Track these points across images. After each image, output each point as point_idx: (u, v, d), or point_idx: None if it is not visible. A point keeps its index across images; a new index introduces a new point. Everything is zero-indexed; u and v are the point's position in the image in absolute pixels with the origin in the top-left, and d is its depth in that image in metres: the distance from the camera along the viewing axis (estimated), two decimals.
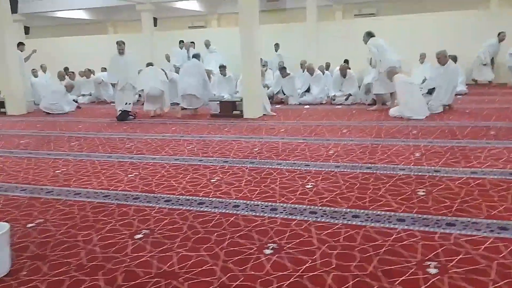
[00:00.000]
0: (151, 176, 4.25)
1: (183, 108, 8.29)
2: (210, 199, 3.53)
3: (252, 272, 2.34)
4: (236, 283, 2.24)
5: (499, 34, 10.19)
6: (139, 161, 4.90)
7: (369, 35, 7.69)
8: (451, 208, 3.07)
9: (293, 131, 6.20)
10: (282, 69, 9.24)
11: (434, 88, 7.24)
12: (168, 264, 2.47)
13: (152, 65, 9.03)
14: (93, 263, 2.53)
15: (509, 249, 2.44)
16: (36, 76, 11.11)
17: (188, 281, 2.28)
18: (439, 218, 2.92)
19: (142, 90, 8.28)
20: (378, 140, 5.30)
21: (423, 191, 3.44)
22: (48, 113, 9.28)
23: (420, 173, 3.91)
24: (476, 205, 3.10)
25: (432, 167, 4.08)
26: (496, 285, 2.11)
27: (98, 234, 2.93)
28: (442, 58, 7.06)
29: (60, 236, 2.93)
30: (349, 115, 7.35)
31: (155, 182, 4.04)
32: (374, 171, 4.04)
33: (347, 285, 2.17)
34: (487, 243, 2.53)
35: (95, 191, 3.88)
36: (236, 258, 2.51)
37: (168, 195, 3.67)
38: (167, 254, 2.60)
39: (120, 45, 8.00)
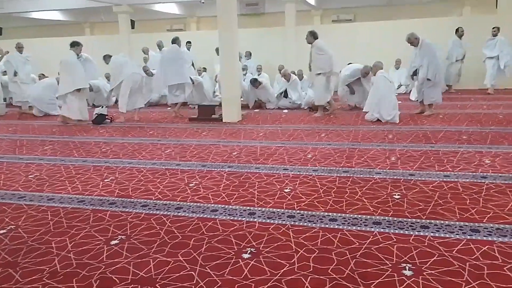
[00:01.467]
0: (128, 181, 4.19)
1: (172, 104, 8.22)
2: (188, 203, 3.50)
3: (230, 277, 2.33)
4: None
5: (457, 30, 10.17)
6: (115, 165, 4.82)
7: (315, 35, 7.43)
8: (425, 211, 3.14)
9: (271, 135, 6.22)
10: (254, 81, 9.01)
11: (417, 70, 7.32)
12: (145, 270, 2.44)
13: (111, 56, 8.40)
14: (67, 270, 2.47)
15: (481, 251, 2.51)
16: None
17: (166, 287, 2.26)
18: (413, 221, 2.98)
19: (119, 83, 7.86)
20: (355, 144, 5.38)
21: (398, 195, 3.51)
22: (21, 107, 9.00)
23: (395, 177, 3.99)
24: (449, 208, 3.18)
25: (407, 171, 4.16)
26: (469, 285, 2.16)
27: (72, 240, 2.87)
28: (413, 41, 7.20)
29: (33, 243, 2.85)
30: (326, 119, 7.43)
31: (132, 187, 3.99)
32: (351, 175, 4.09)
33: None
34: (460, 245, 2.60)
35: (69, 196, 3.79)
36: (214, 262, 2.49)
37: (145, 200, 3.62)
38: (143, 260, 2.56)
39: (81, 46, 7.56)
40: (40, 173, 4.62)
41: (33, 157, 5.40)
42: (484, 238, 2.68)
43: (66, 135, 6.86)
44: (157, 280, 2.32)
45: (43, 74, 10.29)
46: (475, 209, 3.15)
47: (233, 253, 2.61)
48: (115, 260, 2.57)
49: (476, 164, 4.30)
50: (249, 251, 2.62)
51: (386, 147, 5.16)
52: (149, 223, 3.12)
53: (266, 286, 2.23)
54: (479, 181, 3.78)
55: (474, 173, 4.00)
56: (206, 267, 2.44)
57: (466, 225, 2.88)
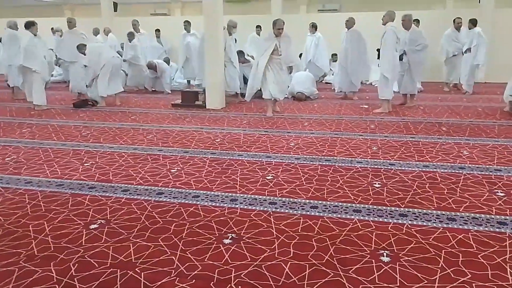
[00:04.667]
0: (108, 166, 4.13)
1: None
2: (170, 189, 3.48)
3: (211, 262, 2.34)
4: (195, 273, 2.23)
5: (453, 21, 9.21)
6: (96, 149, 4.75)
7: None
8: (404, 200, 3.19)
9: (255, 123, 6.21)
10: (240, 53, 8.41)
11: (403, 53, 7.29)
12: (125, 254, 2.42)
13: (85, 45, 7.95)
14: (44, 253, 2.44)
15: (456, 239, 2.57)
16: None
17: (145, 271, 2.25)
18: (392, 209, 3.03)
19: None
20: (337, 134, 5.42)
21: (378, 184, 3.56)
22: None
23: (376, 166, 4.04)
24: (427, 197, 3.24)
25: (388, 161, 4.22)
26: (444, 272, 2.22)
27: (50, 224, 2.83)
28: (407, 22, 7.33)
29: (9, 226, 2.80)
30: (310, 108, 7.45)
31: (112, 172, 3.94)
32: (333, 164, 4.13)
33: (304, 273, 2.22)
34: (437, 233, 2.66)
35: (47, 180, 3.72)
36: (195, 248, 2.49)
37: (125, 185, 3.58)
38: (123, 244, 2.54)
39: (36, 25, 7.34)
40: (18, 156, 4.51)
41: (10, 139, 5.27)
42: (460, 226, 2.75)
43: (45, 118, 6.71)
44: (137, 264, 2.31)
45: None
46: (452, 198, 3.22)
47: (214, 238, 2.61)
48: (94, 244, 2.54)
49: (455, 155, 4.39)
50: (230, 237, 2.62)
51: (368, 137, 5.21)
52: (129, 208, 3.09)
53: (247, 271, 2.25)
54: (457, 171, 3.87)
55: (452, 164, 4.08)
56: (187, 252, 2.44)
57: (443, 214, 2.94)
